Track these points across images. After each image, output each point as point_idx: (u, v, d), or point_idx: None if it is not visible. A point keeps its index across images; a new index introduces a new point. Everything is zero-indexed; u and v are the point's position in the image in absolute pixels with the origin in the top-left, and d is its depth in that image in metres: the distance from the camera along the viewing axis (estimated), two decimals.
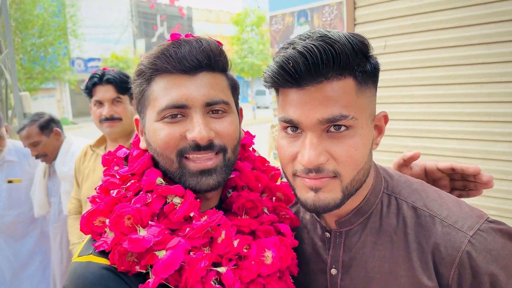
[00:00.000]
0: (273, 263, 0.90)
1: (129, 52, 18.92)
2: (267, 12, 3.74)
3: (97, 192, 0.93)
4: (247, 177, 1.01)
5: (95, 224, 0.85)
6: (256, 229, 0.95)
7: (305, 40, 0.79)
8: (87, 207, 2.31)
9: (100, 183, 0.93)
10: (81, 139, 2.89)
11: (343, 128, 0.81)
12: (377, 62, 0.86)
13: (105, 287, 0.78)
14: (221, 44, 0.93)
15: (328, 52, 0.76)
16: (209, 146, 0.86)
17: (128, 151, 0.99)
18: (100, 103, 2.20)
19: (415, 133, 2.89)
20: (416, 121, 2.88)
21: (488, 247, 0.81)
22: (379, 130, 0.93)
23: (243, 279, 0.87)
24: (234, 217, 0.95)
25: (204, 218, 0.86)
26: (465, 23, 2.59)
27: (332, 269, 0.97)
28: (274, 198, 1.07)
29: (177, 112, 0.86)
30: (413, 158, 1.07)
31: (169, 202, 0.87)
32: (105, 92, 2.18)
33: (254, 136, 1.10)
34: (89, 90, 2.20)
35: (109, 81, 2.18)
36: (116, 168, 0.96)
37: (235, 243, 0.88)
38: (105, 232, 0.83)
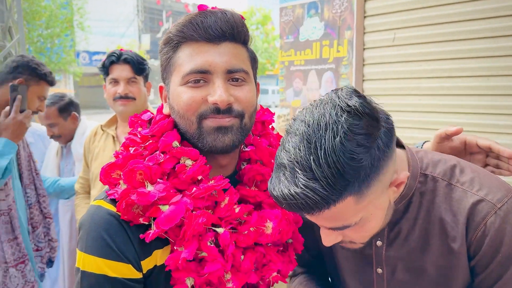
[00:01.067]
0: (272, 234, 0.94)
1: (134, 47, 18.97)
2: (277, 4, 3.79)
3: (120, 149, 1.00)
4: (262, 152, 1.04)
5: (113, 176, 0.93)
6: (263, 201, 0.99)
7: (293, 176, 0.81)
8: (96, 186, 2.37)
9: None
10: (95, 123, 2.94)
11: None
12: (386, 144, 0.82)
13: (106, 229, 0.86)
14: (244, 18, 0.98)
15: (313, 203, 0.78)
16: (228, 110, 0.91)
17: (152, 115, 1.05)
18: (115, 82, 2.24)
19: (421, 124, 2.94)
20: (423, 113, 2.93)
21: (507, 220, 0.91)
22: (398, 186, 0.92)
23: (239, 243, 0.92)
24: (243, 187, 1.00)
25: (211, 182, 0.91)
26: (472, 17, 2.63)
27: (378, 241, 1.04)
28: None
29: (200, 77, 0.91)
30: (456, 133, 1.13)
31: (181, 163, 0.92)
32: (122, 71, 2.23)
33: (273, 114, 1.14)
34: (106, 68, 2.25)
35: (126, 61, 2.23)
36: (139, 129, 1.02)
37: (237, 209, 0.93)
38: (119, 183, 0.91)
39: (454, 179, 0.98)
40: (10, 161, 2.01)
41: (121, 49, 2.30)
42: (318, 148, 0.74)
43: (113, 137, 2.37)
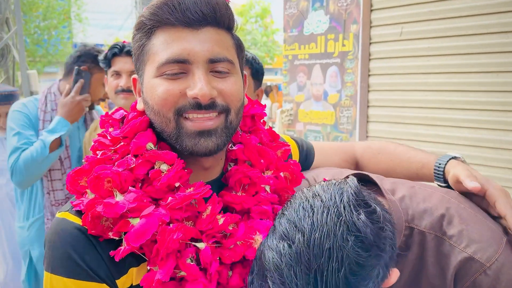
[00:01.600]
0: None
1: None
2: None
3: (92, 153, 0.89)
4: (250, 152, 0.93)
5: (80, 184, 0.82)
6: (251, 208, 0.87)
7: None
8: None
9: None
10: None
11: None
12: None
13: (72, 246, 0.76)
14: (228, 1, 0.87)
15: None
16: (210, 105, 0.80)
17: (125, 114, 0.93)
18: (118, 74, 2.19)
19: (428, 121, 2.89)
20: (430, 109, 2.88)
21: (500, 277, 0.85)
22: None
23: (225, 259, 0.81)
24: (228, 193, 0.88)
25: (190, 189, 0.81)
26: (483, 11, 2.58)
27: None
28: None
29: (178, 68, 0.80)
30: (472, 190, 1.00)
31: (156, 169, 0.81)
32: (125, 63, 2.17)
33: (265, 106, 1.03)
34: (108, 60, 2.19)
35: (129, 53, 2.17)
36: (110, 129, 0.90)
37: (221, 220, 0.81)
38: (86, 192, 0.80)
39: (441, 232, 0.92)
40: (62, 139, 2.13)
41: (124, 41, 2.23)
42: (319, 280, 0.66)
43: None
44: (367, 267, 0.68)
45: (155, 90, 0.81)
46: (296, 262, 0.67)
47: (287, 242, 0.69)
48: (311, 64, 3.53)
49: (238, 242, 0.81)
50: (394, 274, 0.80)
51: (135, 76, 0.92)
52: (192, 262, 0.78)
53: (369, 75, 3.18)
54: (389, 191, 0.97)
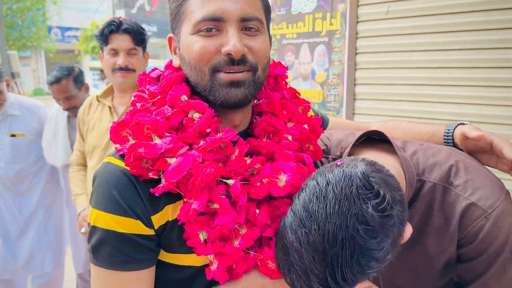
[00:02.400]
0: (285, 187, 0.91)
1: None
2: None
3: (130, 108, 0.98)
4: (273, 105, 1.02)
5: (122, 135, 0.91)
6: (275, 153, 0.96)
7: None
8: (93, 158, 2.34)
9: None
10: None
11: None
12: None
13: (115, 185, 0.86)
14: None
15: None
16: (242, 61, 0.88)
17: (160, 72, 1.02)
18: (115, 52, 2.19)
19: (413, 97, 2.99)
20: (415, 86, 2.97)
21: (498, 223, 0.95)
22: None
23: (252, 195, 0.90)
24: (254, 139, 0.97)
25: (220, 134, 0.89)
26: None
27: None
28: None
29: (213, 25, 0.87)
30: (476, 139, 1.10)
31: (189, 117, 0.90)
32: (122, 41, 2.17)
33: (287, 68, 1.11)
34: (105, 37, 2.18)
35: (126, 31, 2.17)
36: (148, 86, 0.99)
37: (248, 160, 0.91)
38: (128, 140, 0.90)
39: (448, 182, 1.01)
40: None
41: (120, 17, 2.23)
42: (335, 264, 0.75)
43: (110, 108, 2.33)
44: (376, 250, 0.77)
45: (192, 47, 0.89)
46: (314, 249, 0.76)
47: (304, 230, 0.78)
48: (299, 43, 3.58)
49: (264, 180, 0.90)
50: (408, 231, 0.88)
51: (171, 35, 1.00)
52: (223, 196, 0.87)
53: (356, 54, 3.25)
54: (400, 148, 1.04)
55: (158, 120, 0.88)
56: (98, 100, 2.41)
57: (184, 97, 0.92)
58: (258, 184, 0.90)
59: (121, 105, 2.35)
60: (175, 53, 0.98)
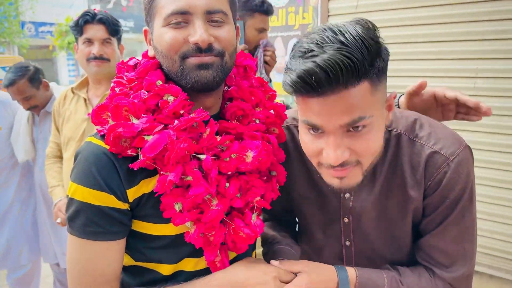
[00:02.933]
0: (252, 162, 1.00)
1: None
2: None
3: (109, 93, 1.05)
4: (243, 91, 1.10)
5: (103, 117, 0.99)
6: (243, 133, 1.05)
7: (323, 48, 0.84)
8: (68, 149, 2.36)
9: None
10: (61, 87, 2.89)
11: (361, 127, 0.89)
12: (387, 51, 0.91)
13: (94, 162, 0.93)
14: None
15: (347, 65, 0.81)
16: (209, 49, 0.96)
17: (137, 61, 1.10)
18: (89, 42, 2.22)
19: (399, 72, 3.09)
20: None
21: (459, 169, 1.04)
22: (390, 108, 1.01)
23: (222, 169, 0.99)
24: (225, 121, 1.06)
25: (193, 114, 0.97)
26: None
27: (346, 194, 1.16)
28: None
29: (181, 18, 0.96)
30: (420, 87, 1.21)
31: (164, 99, 0.98)
32: (97, 31, 2.21)
33: (255, 60, 1.20)
34: (80, 27, 2.21)
35: (101, 21, 2.20)
36: (126, 74, 1.07)
37: (219, 138, 0.99)
38: (108, 122, 0.97)
39: (414, 134, 1.08)
40: None
41: (95, 9, 2.26)
42: (344, 33, 0.84)
43: (85, 100, 2.35)
44: (373, 37, 0.86)
45: (163, 38, 0.97)
46: (323, 31, 0.87)
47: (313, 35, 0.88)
48: (272, 36, 3.65)
49: (232, 155, 0.99)
50: (391, 98, 0.98)
51: (146, 28, 1.08)
52: (195, 170, 0.95)
53: None
54: None
55: (135, 102, 0.95)
56: (73, 92, 2.42)
57: (159, 82, 1.00)
58: (228, 159, 0.99)
59: (96, 96, 2.37)
60: (150, 44, 1.07)
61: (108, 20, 2.23)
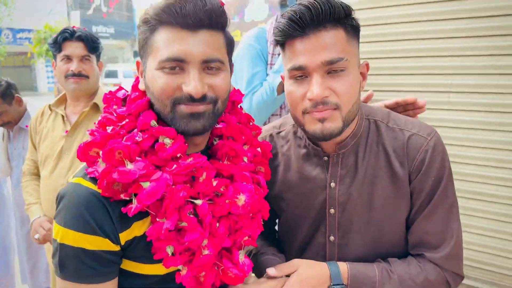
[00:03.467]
0: (244, 206, 1.02)
1: (63, 24, 17.84)
2: None
3: (95, 126, 1.04)
4: (232, 129, 1.11)
5: (90, 154, 0.97)
6: (234, 174, 1.06)
7: (308, 0, 1.03)
8: (46, 167, 2.33)
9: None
10: (38, 102, 2.86)
11: (339, 70, 1.05)
12: (358, 23, 1.09)
13: (86, 206, 0.92)
14: (223, 4, 1.01)
15: (327, 8, 1.01)
16: (202, 99, 0.95)
17: (127, 93, 1.09)
18: (68, 59, 2.22)
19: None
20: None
21: (436, 148, 1.15)
22: (363, 76, 1.17)
23: (215, 213, 1.00)
24: (216, 161, 1.07)
25: (190, 159, 0.98)
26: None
27: (332, 183, 1.21)
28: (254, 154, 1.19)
29: (176, 65, 0.94)
30: (368, 97, 1.39)
31: (160, 142, 0.98)
32: (75, 48, 2.21)
33: (243, 95, 1.21)
34: (58, 45, 2.21)
35: (80, 38, 2.21)
36: (114, 107, 1.06)
37: (214, 183, 1.00)
38: (98, 162, 0.95)
39: (391, 122, 1.20)
40: None
41: (73, 26, 2.27)
42: None
43: (63, 117, 2.34)
44: (348, 7, 1.05)
45: (156, 81, 0.96)
46: None
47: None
48: None
49: (226, 201, 1.01)
50: (363, 66, 1.16)
51: (138, 59, 1.06)
52: (191, 215, 0.96)
53: None
54: None
55: (129, 145, 0.94)
56: (50, 109, 2.40)
57: (154, 123, 0.99)
58: (221, 204, 1.00)
59: (74, 113, 2.35)
60: (142, 76, 1.05)
61: (87, 37, 2.23)
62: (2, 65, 22.39)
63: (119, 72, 23.56)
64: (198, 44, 0.94)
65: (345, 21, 1.05)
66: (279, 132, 1.35)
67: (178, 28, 0.94)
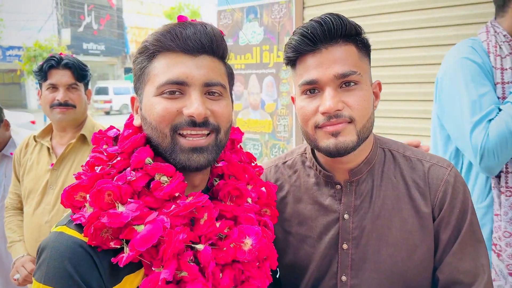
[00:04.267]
0: (251, 251, 0.91)
1: (54, 42, 17.74)
2: (215, 7, 3.75)
3: (83, 169, 0.94)
4: (234, 167, 1.03)
5: (76, 199, 0.86)
6: (239, 215, 0.96)
7: (319, 16, 1.03)
8: (29, 202, 2.20)
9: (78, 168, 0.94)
10: (25, 130, 2.73)
11: (352, 84, 1.03)
12: (369, 42, 1.09)
13: (69, 259, 0.80)
14: (223, 34, 0.98)
15: (338, 22, 1.01)
16: (204, 123, 0.89)
17: (118, 132, 1.00)
18: (54, 88, 2.10)
19: None
20: None
21: (458, 179, 1.11)
22: (376, 95, 1.14)
23: (218, 260, 0.89)
24: (218, 202, 0.97)
25: (190, 198, 0.88)
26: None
27: (345, 215, 1.12)
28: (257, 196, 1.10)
29: (176, 88, 0.89)
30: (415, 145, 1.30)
31: (156, 180, 0.88)
32: (62, 76, 2.10)
33: (243, 134, 1.14)
34: (44, 73, 2.10)
35: (67, 66, 2.10)
36: (104, 146, 0.96)
37: (217, 224, 0.90)
38: (84, 206, 0.85)
39: (408, 152, 1.16)
40: None
41: (61, 53, 2.16)
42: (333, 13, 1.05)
43: (48, 149, 2.21)
44: (358, 25, 1.07)
45: (154, 108, 0.90)
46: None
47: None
48: (247, 74, 3.60)
49: (231, 245, 0.90)
50: (376, 82, 1.15)
51: (133, 95, 1.00)
52: (191, 263, 0.84)
53: None
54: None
55: (120, 186, 0.84)
56: (35, 140, 2.28)
57: (149, 160, 0.90)
58: (225, 248, 0.89)
59: (60, 145, 2.23)
60: (137, 113, 0.99)
61: (74, 65, 2.13)
62: None
63: (110, 89, 23.62)
64: (199, 67, 0.91)
65: (356, 38, 1.05)
66: (285, 162, 1.29)
67: (179, 52, 0.90)
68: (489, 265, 1.10)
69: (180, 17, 0.96)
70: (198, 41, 0.90)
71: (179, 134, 0.89)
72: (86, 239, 0.81)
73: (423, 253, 1.09)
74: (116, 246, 0.82)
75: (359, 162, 1.12)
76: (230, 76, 1.01)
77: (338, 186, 1.15)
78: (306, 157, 1.24)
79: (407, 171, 1.12)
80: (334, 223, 1.13)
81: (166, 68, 0.90)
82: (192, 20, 0.96)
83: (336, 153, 1.04)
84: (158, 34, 0.92)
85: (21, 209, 2.38)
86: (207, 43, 0.91)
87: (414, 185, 1.11)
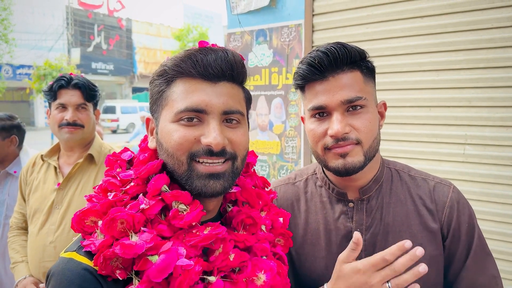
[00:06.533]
0: (263, 287, 0.89)
1: (64, 61, 17.99)
2: (225, 29, 3.77)
3: (94, 192, 0.92)
4: (248, 193, 1.01)
5: (86, 224, 0.85)
6: (253, 245, 0.95)
7: (325, 46, 1.09)
8: (34, 222, 2.17)
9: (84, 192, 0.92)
10: (35, 151, 2.73)
11: (358, 107, 1.08)
12: (373, 65, 1.16)
13: (79, 286, 0.78)
14: (244, 59, 0.97)
15: (343, 51, 1.07)
16: (221, 153, 0.88)
17: (133, 155, 0.99)
18: (63, 107, 2.11)
19: None
20: None
21: (462, 196, 1.19)
22: (381, 115, 1.20)
23: None
24: (231, 231, 0.95)
25: (208, 229, 0.86)
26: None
27: (356, 232, 1.11)
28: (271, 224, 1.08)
29: (194, 115, 0.88)
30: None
31: (173, 208, 0.86)
32: (72, 96, 2.11)
33: (257, 156, 1.13)
34: (54, 93, 2.11)
35: (77, 86, 2.12)
36: (118, 170, 0.95)
37: (231, 257, 0.88)
38: (95, 232, 0.83)
39: (413, 172, 1.23)
40: None
41: (71, 73, 2.17)
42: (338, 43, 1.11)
43: (55, 168, 2.20)
44: (363, 50, 1.13)
45: (171, 135, 0.88)
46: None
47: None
48: (256, 95, 3.60)
49: (244, 279, 0.87)
50: (382, 103, 1.20)
51: (149, 116, 0.99)
52: None
53: None
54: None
55: (134, 214, 0.82)
56: (42, 160, 2.27)
57: (165, 187, 0.88)
58: (237, 282, 0.87)
59: (67, 164, 2.22)
60: (152, 135, 0.97)
61: (84, 85, 2.14)
62: (1, 99, 22.43)
63: (117, 107, 23.82)
64: (219, 95, 0.89)
65: (361, 63, 1.11)
66: (295, 183, 1.33)
67: (198, 79, 0.89)
68: (499, 276, 1.15)
69: (202, 43, 0.95)
70: (218, 68, 0.89)
71: (196, 161, 0.88)
72: (96, 268, 0.79)
73: (434, 267, 1.12)
74: (125, 276, 0.79)
75: (368, 179, 1.18)
76: (248, 101, 1.01)
77: (351, 204, 1.19)
78: (317, 177, 1.28)
79: (413, 189, 1.19)
80: (347, 241, 1.15)
81: (185, 94, 0.88)
82: (213, 45, 0.95)
83: (345, 173, 1.09)
84: (179, 59, 0.90)
85: (25, 228, 2.36)
86: (227, 70, 0.90)
87: (421, 202, 1.16)
